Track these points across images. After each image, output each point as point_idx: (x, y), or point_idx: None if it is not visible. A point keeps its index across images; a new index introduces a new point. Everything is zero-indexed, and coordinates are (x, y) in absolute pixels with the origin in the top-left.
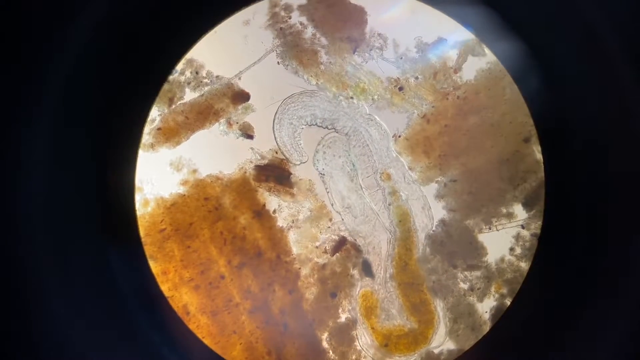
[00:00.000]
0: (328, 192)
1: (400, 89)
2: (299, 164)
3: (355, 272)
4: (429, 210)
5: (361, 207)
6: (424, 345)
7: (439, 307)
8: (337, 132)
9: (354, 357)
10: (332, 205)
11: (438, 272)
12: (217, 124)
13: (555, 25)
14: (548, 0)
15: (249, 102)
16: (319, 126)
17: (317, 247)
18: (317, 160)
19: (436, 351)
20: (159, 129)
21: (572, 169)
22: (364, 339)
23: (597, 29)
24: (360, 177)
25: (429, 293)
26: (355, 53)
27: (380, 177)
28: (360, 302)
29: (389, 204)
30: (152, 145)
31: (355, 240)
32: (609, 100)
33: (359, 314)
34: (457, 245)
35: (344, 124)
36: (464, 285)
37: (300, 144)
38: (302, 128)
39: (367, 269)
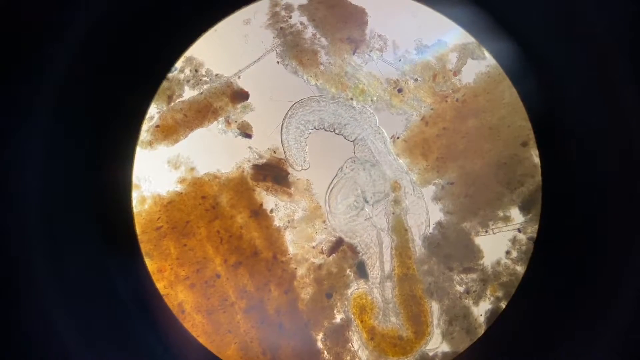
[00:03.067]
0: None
1: (400, 90)
2: (299, 170)
3: (351, 273)
4: (427, 227)
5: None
6: (406, 354)
7: (435, 311)
8: (344, 138)
9: (348, 357)
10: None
11: (434, 274)
12: (215, 122)
13: (554, 30)
14: (548, 4)
15: (248, 101)
16: (326, 130)
17: (313, 247)
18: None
19: (431, 353)
20: (157, 126)
21: (569, 173)
22: (358, 340)
23: (597, 35)
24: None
25: (427, 303)
26: (355, 54)
27: (390, 186)
28: (352, 302)
29: (393, 213)
30: (150, 143)
31: (351, 241)
32: (608, 105)
33: (351, 313)
34: (453, 247)
35: (352, 130)
36: (460, 288)
37: (306, 150)
38: (310, 132)
39: (361, 270)
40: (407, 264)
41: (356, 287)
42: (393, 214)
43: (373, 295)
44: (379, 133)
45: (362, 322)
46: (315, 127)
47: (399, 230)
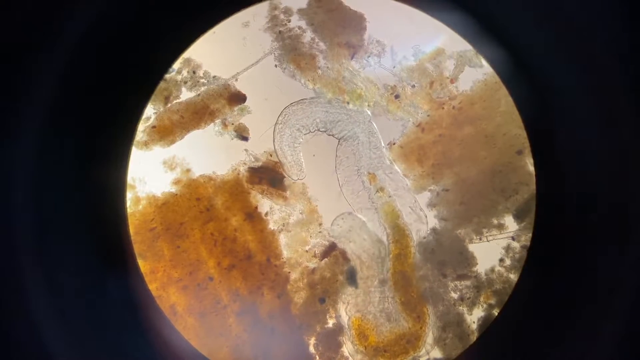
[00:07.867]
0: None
1: (397, 96)
2: (296, 180)
3: (344, 279)
4: (420, 210)
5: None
6: (413, 351)
7: (430, 314)
8: (333, 136)
9: None
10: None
11: (429, 279)
12: (212, 124)
13: (553, 40)
14: (547, 16)
15: (245, 103)
16: (320, 132)
17: (307, 251)
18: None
19: (423, 359)
20: (153, 127)
21: (563, 182)
22: (350, 345)
23: (594, 46)
24: (342, 179)
25: (422, 300)
26: (353, 59)
27: (366, 178)
28: (353, 330)
29: (389, 196)
30: (146, 143)
31: (344, 246)
32: (602, 115)
33: (354, 340)
34: (447, 254)
35: (343, 127)
36: (454, 295)
37: (301, 158)
38: (302, 139)
39: (351, 278)
40: (403, 244)
41: (351, 297)
42: (390, 196)
43: (368, 303)
44: (371, 131)
45: (365, 345)
46: (310, 131)
47: (391, 215)
